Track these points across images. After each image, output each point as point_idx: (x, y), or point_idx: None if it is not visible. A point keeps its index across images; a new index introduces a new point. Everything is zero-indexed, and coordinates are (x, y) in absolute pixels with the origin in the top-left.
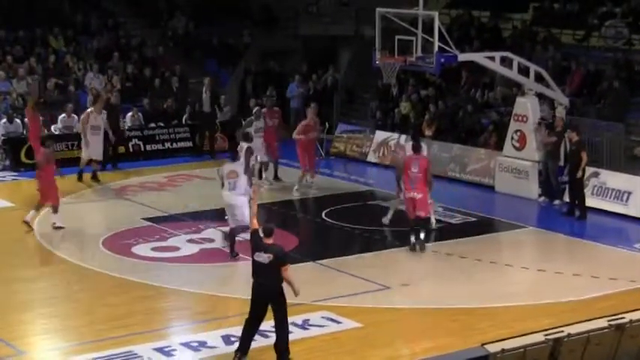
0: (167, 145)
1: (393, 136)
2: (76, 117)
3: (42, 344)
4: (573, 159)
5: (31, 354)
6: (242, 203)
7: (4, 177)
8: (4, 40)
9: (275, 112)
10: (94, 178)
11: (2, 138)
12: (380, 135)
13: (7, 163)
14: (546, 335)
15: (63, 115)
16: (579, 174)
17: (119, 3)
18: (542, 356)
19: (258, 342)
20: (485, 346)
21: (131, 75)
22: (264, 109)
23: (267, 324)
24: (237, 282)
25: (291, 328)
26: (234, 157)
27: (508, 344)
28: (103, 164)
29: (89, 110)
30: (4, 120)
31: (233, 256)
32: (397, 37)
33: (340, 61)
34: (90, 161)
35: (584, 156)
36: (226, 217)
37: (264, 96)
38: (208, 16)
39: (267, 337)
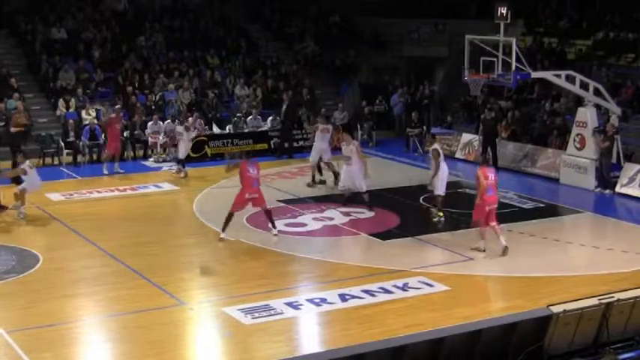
0: (300, 143)
1: (475, 138)
2: (161, 123)
3: (199, 297)
4: None
5: (190, 305)
6: None
7: (170, 167)
8: (173, 59)
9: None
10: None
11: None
12: (466, 137)
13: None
14: (600, 299)
15: (151, 122)
16: None
17: (262, 30)
18: (596, 316)
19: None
20: (550, 307)
21: (270, 87)
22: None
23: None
24: (352, 251)
25: (393, 289)
26: None
27: (569, 306)
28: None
29: None
30: (169, 120)
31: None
32: (482, 58)
33: (436, 77)
34: None
35: None
36: None
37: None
38: (330, 40)
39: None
